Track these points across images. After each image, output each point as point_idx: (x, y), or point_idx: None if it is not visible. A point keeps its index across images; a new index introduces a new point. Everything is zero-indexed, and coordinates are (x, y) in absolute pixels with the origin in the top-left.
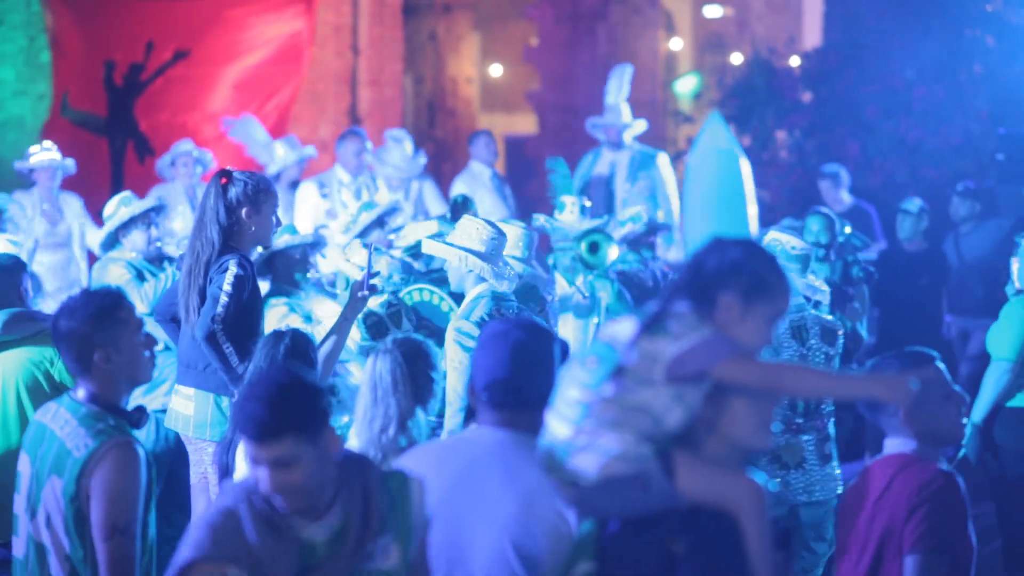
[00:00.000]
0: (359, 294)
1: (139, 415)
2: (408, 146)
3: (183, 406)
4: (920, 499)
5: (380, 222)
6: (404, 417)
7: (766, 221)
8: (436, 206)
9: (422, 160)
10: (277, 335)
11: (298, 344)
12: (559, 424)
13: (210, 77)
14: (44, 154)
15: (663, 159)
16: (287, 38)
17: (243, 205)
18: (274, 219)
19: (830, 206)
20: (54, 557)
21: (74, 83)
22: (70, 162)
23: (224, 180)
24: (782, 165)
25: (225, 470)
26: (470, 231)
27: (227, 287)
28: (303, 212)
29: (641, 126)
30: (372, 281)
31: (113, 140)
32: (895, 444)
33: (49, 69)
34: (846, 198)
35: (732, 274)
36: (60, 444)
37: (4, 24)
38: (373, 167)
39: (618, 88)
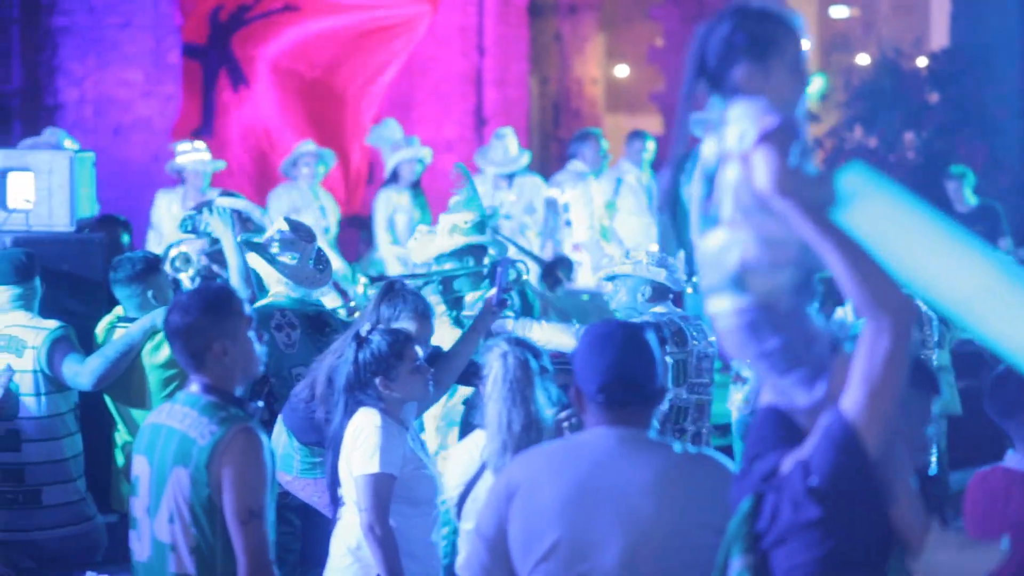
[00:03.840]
0: (491, 309)
1: (255, 408)
2: (512, 143)
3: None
4: None
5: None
6: (539, 413)
7: None
8: (541, 203)
9: (525, 159)
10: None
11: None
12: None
13: (314, 29)
14: (195, 154)
15: None
16: (401, 23)
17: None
18: None
19: (956, 207)
20: (182, 551)
21: (185, 19)
22: (222, 163)
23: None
24: (909, 166)
25: (333, 488)
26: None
27: None
28: (594, 204)
29: None
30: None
31: (207, 66)
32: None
33: (178, 70)
34: (972, 199)
35: (730, 48)
36: (182, 436)
37: (131, 25)
38: (478, 164)
39: None
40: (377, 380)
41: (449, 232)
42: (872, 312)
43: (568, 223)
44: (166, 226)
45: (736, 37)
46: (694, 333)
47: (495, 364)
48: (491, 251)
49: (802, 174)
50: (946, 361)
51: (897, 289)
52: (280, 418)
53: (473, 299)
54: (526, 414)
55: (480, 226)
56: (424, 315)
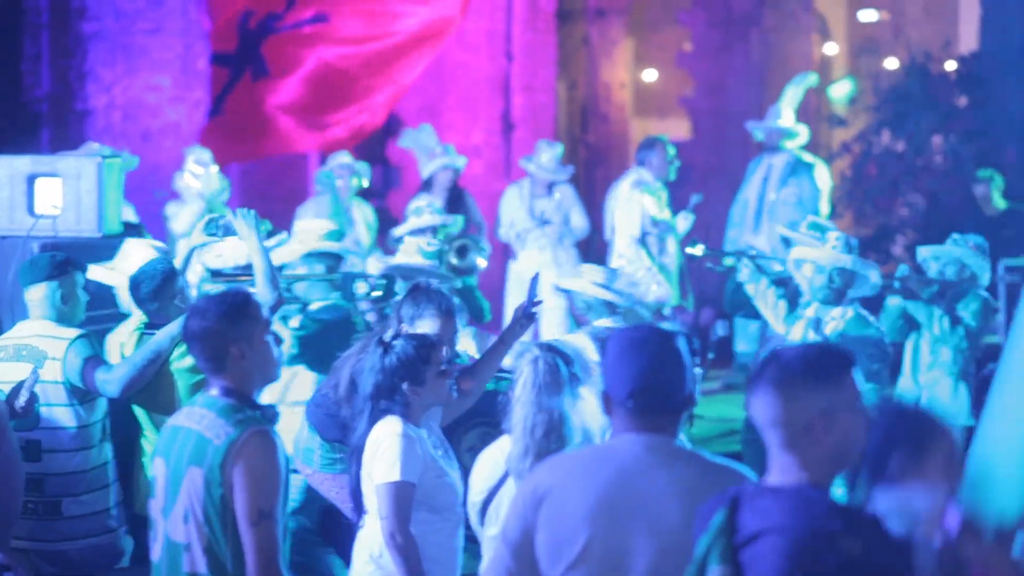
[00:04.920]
0: (520, 320)
1: (272, 412)
2: (559, 151)
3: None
4: None
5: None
6: (563, 421)
7: (923, 226)
8: (577, 212)
9: (570, 168)
10: (381, 344)
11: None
12: None
13: (341, 34)
14: (195, 182)
15: (821, 169)
16: (429, 27)
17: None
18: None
19: (984, 211)
20: (195, 551)
21: (213, 30)
22: (225, 190)
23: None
24: (937, 170)
25: (357, 495)
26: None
27: None
28: (636, 214)
29: (803, 132)
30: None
31: (233, 69)
32: None
33: (206, 76)
34: (1001, 203)
35: (889, 441)
36: (198, 436)
37: (161, 31)
38: (525, 169)
39: (793, 95)
40: (404, 385)
41: (301, 240)
42: None
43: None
44: (177, 234)
45: (894, 432)
46: None
47: (525, 369)
48: (354, 261)
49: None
50: None
51: None
52: (304, 413)
53: (318, 307)
54: (549, 420)
55: (334, 235)
56: (448, 313)
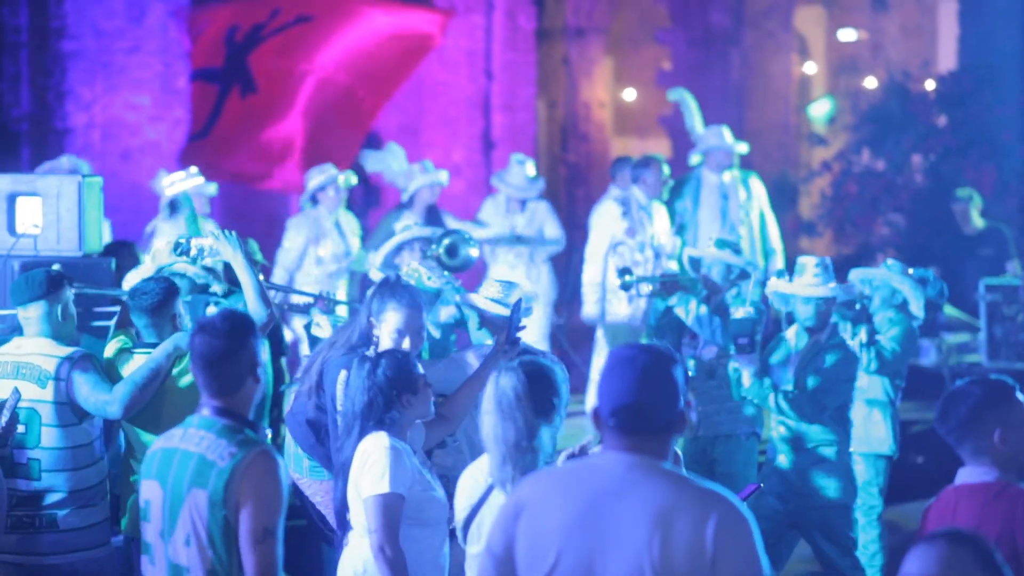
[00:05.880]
0: (502, 347)
1: (263, 431)
2: (530, 168)
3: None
4: None
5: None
6: (531, 431)
7: (902, 245)
8: (551, 226)
9: (540, 185)
10: (367, 360)
11: (398, 367)
12: None
13: (325, 37)
14: (195, 180)
15: (755, 178)
16: (412, 35)
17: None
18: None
19: (964, 230)
20: (197, 574)
21: (197, 46)
22: (213, 187)
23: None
24: (916, 189)
25: (341, 513)
26: None
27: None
28: (603, 227)
29: (743, 148)
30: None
31: (222, 84)
32: (975, 473)
33: (186, 95)
34: (979, 222)
35: None
36: (199, 458)
37: (140, 50)
38: (495, 187)
39: (694, 114)
40: (404, 397)
41: (153, 256)
42: None
43: None
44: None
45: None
46: None
47: (490, 381)
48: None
49: None
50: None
51: None
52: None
53: None
54: (516, 429)
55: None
56: (412, 306)
